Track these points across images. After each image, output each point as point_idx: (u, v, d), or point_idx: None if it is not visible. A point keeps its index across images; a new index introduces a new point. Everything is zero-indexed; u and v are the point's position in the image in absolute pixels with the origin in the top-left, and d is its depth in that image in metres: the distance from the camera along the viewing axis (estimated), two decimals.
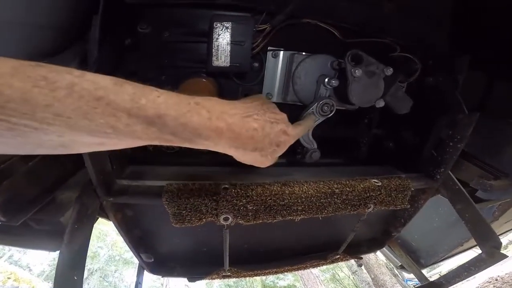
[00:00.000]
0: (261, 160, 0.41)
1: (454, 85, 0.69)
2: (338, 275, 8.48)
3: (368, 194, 0.67)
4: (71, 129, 0.26)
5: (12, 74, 0.23)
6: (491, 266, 0.84)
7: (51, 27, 0.53)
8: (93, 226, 0.59)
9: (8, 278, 5.28)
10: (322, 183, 0.63)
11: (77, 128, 0.26)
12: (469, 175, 0.85)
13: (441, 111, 0.73)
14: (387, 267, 6.74)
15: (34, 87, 0.24)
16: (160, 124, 0.30)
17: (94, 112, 0.26)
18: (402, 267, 1.52)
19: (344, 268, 8.11)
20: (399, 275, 6.95)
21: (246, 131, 0.36)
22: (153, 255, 0.84)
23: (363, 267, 6.99)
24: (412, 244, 1.41)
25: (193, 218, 0.59)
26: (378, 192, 0.68)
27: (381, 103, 0.62)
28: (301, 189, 0.61)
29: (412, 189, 0.72)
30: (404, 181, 0.71)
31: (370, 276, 6.68)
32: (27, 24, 0.48)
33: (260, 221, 0.62)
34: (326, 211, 0.65)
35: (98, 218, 0.82)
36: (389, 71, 0.60)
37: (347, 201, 0.65)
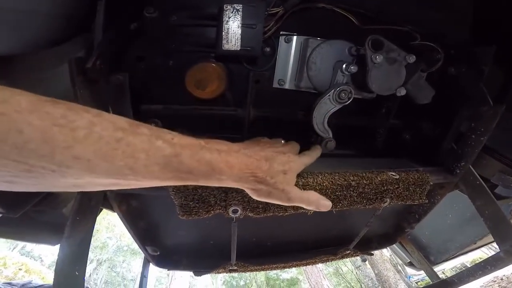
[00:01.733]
0: (276, 192, 0.42)
1: (478, 76, 0.65)
2: (341, 269, 8.52)
3: (385, 188, 0.63)
4: (90, 171, 0.26)
5: (31, 110, 0.22)
6: (509, 265, 0.81)
7: (58, 15, 0.52)
8: (96, 218, 0.56)
9: (20, 269, 5.41)
10: (337, 174, 0.60)
11: (96, 171, 0.26)
12: (490, 170, 0.81)
13: (464, 103, 0.69)
14: (391, 262, 6.73)
15: (54, 126, 0.23)
16: (177, 163, 0.31)
17: (114, 154, 0.26)
18: (410, 264, 1.49)
19: (347, 263, 8.14)
20: (402, 271, 6.95)
21: (253, 160, 0.39)
22: (159, 248, 0.83)
23: (367, 262, 6.99)
24: (422, 241, 1.37)
25: (200, 210, 0.57)
26: (396, 186, 0.64)
27: (402, 91, 0.58)
28: (315, 180, 0.58)
29: (431, 183, 0.69)
30: (422, 175, 0.68)
31: (374, 272, 6.69)
32: (33, 12, 0.47)
33: (271, 214, 0.60)
34: (340, 204, 0.61)
35: (102, 209, 0.80)
36: (412, 58, 0.56)
37: (363, 195, 0.62)
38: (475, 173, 0.74)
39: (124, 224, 0.67)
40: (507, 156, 0.81)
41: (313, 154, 0.57)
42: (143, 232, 0.75)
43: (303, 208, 0.61)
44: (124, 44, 0.58)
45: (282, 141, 0.56)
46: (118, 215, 0.65)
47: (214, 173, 0.35)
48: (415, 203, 0.70)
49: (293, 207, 0.60)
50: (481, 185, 0.74)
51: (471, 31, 0.68)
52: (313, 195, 0.48)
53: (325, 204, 0.49)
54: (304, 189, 0.58)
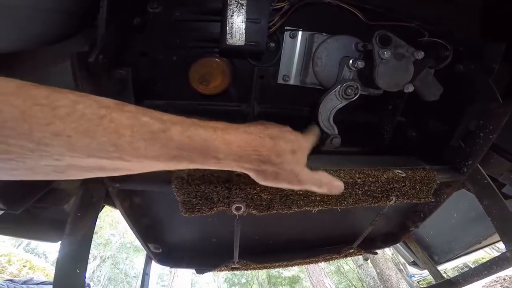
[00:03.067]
0: (284, 174, 0.37)
1: (487, 74, 0.64)
2: (343, 267, 8.52)
3: (391, 186, 0.62)
4: (70, 149, 0.25)
5: (14, 93, 0.23)
6: None
7: (61, 11, 0.52)
8: (97, 215, 0.56)
9: (24, 266, 5.46)
10: (342, 172, 0.59)
11: (77, 148, 0.25)
12: (498, 169, 0.79)
13: (472, 100, 0.67)
14: (393, 261, 6.72)
15: (35, 105, 0.23)
16: (166, 139, 0.29)
17: (95, 129, 0.25)
18: (414, 263, 1.48)
19: (349, 261, 8.14)
20: (404, 270, 6.93)
21: (255, 137, 0.35)
22: (161, 245, 0.82)
23: (369, 261, 6.98)
24: (426, 240, 1.36)
25: (203, 207, 0.56)
26: (402, 184, 0.63)
27: (410, 88, 0.57)
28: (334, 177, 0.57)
29: (438, 182, 0.68)
30: (429, 173, 0.67)
31: (376, 271, 6.68)
32: (37, 8, 0.47)
33: (275, 211, 0.59)
34: (345, 202, 0.61)
35: (104, 206, 0.80)
36: (420, 54, 0.55)
37: (369, 193, 0.61)
38: (483, 172, 0.73)
39: (127, 221, 0.67)
40: None
41: (315, 133, 0.53)
42: (145, 229, 0.74)
43: (309, 206, 0.60)
44: (127, 39, 0.57)
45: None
46: (121, 212, 0.64)
47: (209, 151, 0.31)
48: (421, 201, 0.69)
49: (297, 204, 0.59)
50: (489, 184, 0.73)
51: (480, 28, 0.66)
52: (325, 176, 0.43)
53: (338, 186, 0.44)
54: None
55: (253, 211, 0.58)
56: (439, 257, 1.38)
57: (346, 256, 0.92)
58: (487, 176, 0.73)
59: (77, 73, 0.44)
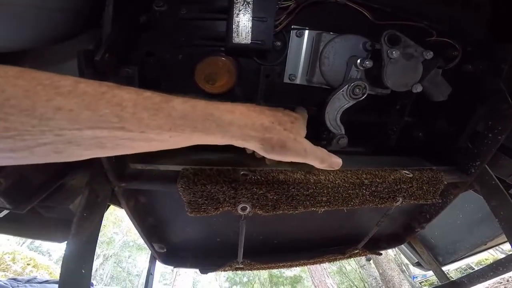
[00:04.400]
0: (290, 142, 0.37)
1: (497, 74, 0.63)
2: (345, 268, 8.50)
3: (398, 186, 0.61)
4: (73, 122, 0.25)
5: (17, 76, 0.23)
6: None
7: (67, 10, 0.52)
8: (103, 215, 0.56)
9: (28, 264, 5.50)
10: (349, 172, 0.59)
11: (79, 120, 0.25)
12: (506, 170, 0.78)
13: (480, 101, 0.66)
14: (395, 262, 6.69)
15: (38, 85, 0.23)
16: (168, 108, 0.29)
17: (98, 102, 0.26)
18: (418, 264, 1.46)
19: (351, 262, 8.11)
20: (406, 271, 6.90)
21: (254, 108, 0.36)
22: (166, 245, 0.82)
23: (371, 261, 6.96)
24: (431, 241, 1.35)
25: (209, 207, 0.56)
26: (409, 185, 0.62)
27: (418, 88, 0.56)
28: (327, 178, 0.57)
29: (445, 182, 0.67)
30: (436, 174, 0.66)
31: (378, 271, 6.65)
32: (43, 7, 0.47)
33: (280, 211, 0.58)
34: (352, 203, 0.60)
35: (109, 205, 0.80)
36: (429, 54, 0.54)
37: (376, 193, 0.60)
38: (491, 173, 0.72)
39: (132, 221, 0.67)
40: None
41: (304, 110, 0.51)
42: (150, 228, 0.74)
43: (315, 207, 0.60)
44: (133, 38, 0.57)
45: None
46: (126, 211, 0.64)
47: (214, 118, 0.31)
48: (428, 202, 0.68)
49: (304, 205, 0.58)
50: (497, 185, 0.72)
51: (490, 28, 0.65)
52: (324, 151, 0.42)
53: (337, 162, 0.43)
54: (316, 187, 0.57)
55: (259, 212, 0.58)
56: (443, 258, 1.36)
57: (350, 256, 0.92)
58: (495, 177, 0.72)
59: (84, 71, 0.43)
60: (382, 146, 0.77)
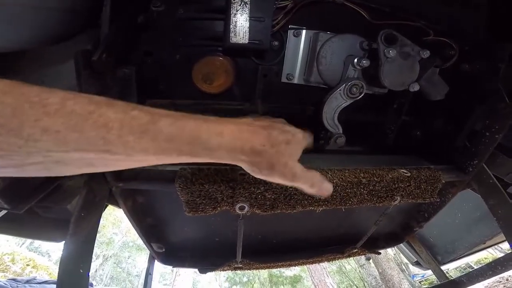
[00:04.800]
0: (279, 166, 0.36)
1: (494, 74, 0.63)
2: (345, 267, 8.51)
3: (396, 185, 0.62)
4: (59, 144, 0.25)
5: (5, 91, 0.23)
6: None
7: (65, 10, 0.52)
8: (101, 215, 0.56)
9: (27, 265, 5.49)
10: (347, 171, 0.59)
11: (65, 143, 0.25)
12: (504, 169, 0.78)
13: (478, 100, 0.66)
14: (395, 261, 6.70)
15: (26, 103, 0.23)
16: (155, 131, 0.28)
17: (85, 123, 0.25)
18: (417, 263, 1.47)
19: (351, 261, 8.12)
20: (406, 270, 6.91)
21: (247, 127, 0.34)
22: (164, 245, 0.82)
23: (371, 260, 6.97)
24: (429, 240, 1.35)
25: (207, 207, 0.56)
26: (407, 184, 0.63)
27: (415, 87, 0.57)
28: (325, 177, 0.57)
29: (443, 181, 0.67)
30: (434, 173, 0.66)
31: (378, 270, 6.66)
32: (41, 7, 0.47)
33: (278, 211, 0.59)
34: (350, 202, 0.60)
35: (107, 205, 0.80)
36: (426, 53, 0.54)
37: (373, 192, 0.60)
38: (489, 171, 0.72)
39: (130, 221, 0.67)
40: None
41: (311, 134, 0.48)
42: (148, 228, 0.74)
43: (313, 206, 0.60)
44: (131, 38, 0.57)
45: None
46: (124, 212, 0.64)
47: (200, 142, 0.30)
48: (426, 201, 0.68)
49: (302, 204, 0.59)
50: (495, 184, 0.72)
51: (487, 28, 0.66)
52: (317, 175, 0.40)
53: (327, 188, 0.42)
54: None
55: (257, 211, 0.58)
56: (442, 257, 1.37)
57: (349, 256, 0.92)
58: (492, 176, 0.72)
59: (81, 71, 0.44)
60: (380, 145, 0.77)
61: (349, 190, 0.59)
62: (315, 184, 0.40)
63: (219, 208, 0.57)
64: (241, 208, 0.57)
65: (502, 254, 0.92)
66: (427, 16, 0.62)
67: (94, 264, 8.06)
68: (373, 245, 0.94)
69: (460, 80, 0.67)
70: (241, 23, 0.53)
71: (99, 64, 0.43)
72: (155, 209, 0.71)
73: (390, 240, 0.97)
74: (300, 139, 0.39)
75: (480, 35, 0.66)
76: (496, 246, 1.62)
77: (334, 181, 0.57)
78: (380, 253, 0.97)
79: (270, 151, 0.34)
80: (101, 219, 0.58)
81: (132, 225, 0.69)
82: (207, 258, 0.87)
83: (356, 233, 0.87)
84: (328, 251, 0.89)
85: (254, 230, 0.82)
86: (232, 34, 0.53)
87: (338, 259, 0.94)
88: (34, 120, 0.23)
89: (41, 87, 0.25)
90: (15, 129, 0.23)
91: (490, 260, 0.90)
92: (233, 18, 0.53)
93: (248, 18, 0.53)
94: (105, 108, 0.26)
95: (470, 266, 5.45)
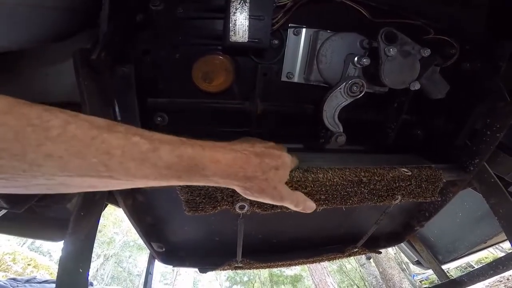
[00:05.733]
0: (268, 190, 0.40)
1: (495, 72, 0.63)
2: (345, 266, 8.51)
3: (397, 184, 0.61)
4: (62, 169, 0.25)
5: (6, 112, 0.23)
6: None
7: (64, 9, 0.52)
8: (100, 214, 0.56)
9: (28, 264, 5.51)
10: (348, 170, 0.58)
11: (68, 168, 0.25)
12: (505, 168, 0.78)
13: (478, 98, 0.66)
14: (396, 261, 6.70)
15: (28, 126, 0.23)
16: (155, 158, 0.30)
17: (87, 150, 0.26)
18: (418, 263, 1.47)
19: (352, 260, 8.12)
20: (406, 269, 6.91)
21: (242, 155, 0.37)
22: (164, 244, 0.82)
23: (371, 260, 6.96)
24: (430, 239, 1.35)
25: (207, 206, 0.56)
26: (408, 183, 0.62)
27: (416, 86, 0.56)
28: (325, 176, 0.57)
29: (444, 180, 0.67)
30: (435, 172, 0.66)
31: (378, 270, 6.65)
32: (40, 6, 0.47)
33: (278, 210, 0.58)
34: (351, 201, 0.60)
35: (107, 204, 0.80)
36: (427, 52, 0.54)
37: (374, 191, 0.60)
38: (490, 170, 0.72)
39: (130, 220, 0.67)
40: None
41: (297, 157, 0.54)
42: (148, 228, 0.74)
43: (315, 197, 0.59)
44: (130, 36, 0.57)
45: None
46: (124, 211, 0.64)
47: (198, 169, 0.33)
48: (427, 200, 0.68)
49: None
50: (496, 183, 0.72)
51: (488, 26, 0.65)
52: (301, 196, 0.47)
53: (310, 206, 0.48)
54: (314, 185, 0.57)
55: (257, 210, 0.58)
56: (443, 257, 1.36)
57: (350, 255, 0.92)
58: (494, 175, 0.72)
59: (80, 70, 0.43)
60: (380, 144, 0.77)
61: (350, 189, 0.59)
62: (299, 203, 0.46)
63: (219, 207, 0.56)
64: (241, 207, 0.57)
65: (503, 254, 0.91)
66: (426, 15, 0.61)
67: (95, 264, 8.07)
68: (374, 244, 0.94)
69: (460, 79, 0.66)
70: (240, 21, 0.53)
71: (97, 63, 0.43)
72: (155, 208, 0.71)
73: (391, 239, 0.97)
74: (288, 164, 0.43)
75: (480, 34, 0.65)
76: (497, 246, 1.61)
77: (335, 179, 0.57)
78: (380, 253, 0.97)
79: (261, 178, 0.38)
80: (102, 219, 0.58)
81: (132, 225, 0.68)
82: (208, 257, 0.87)
83: (357, 232, 0.87)
84: (329, 251, 0.89)
85: (254, 230, 0.82)
86: (231, 33, 0.53)
87: (338, 259, 0.93)
88: (37, 145, 0.23)
89: (40, 106, 0.25)
90: (18, 154, 0.23)
91: (491, 260, 0.90)
92: (233, 17, 0.52)
93: (247, 17, 0.53)
94: (107, 134, 0.27)
95: (471, 266, 5.44)
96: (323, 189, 0.57)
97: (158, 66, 0.60)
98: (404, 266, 6.96)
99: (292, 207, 0.45)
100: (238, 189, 0.39)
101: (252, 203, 0.57)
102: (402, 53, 0.53)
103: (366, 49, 0.57)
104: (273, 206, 0.58)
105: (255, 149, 0.40)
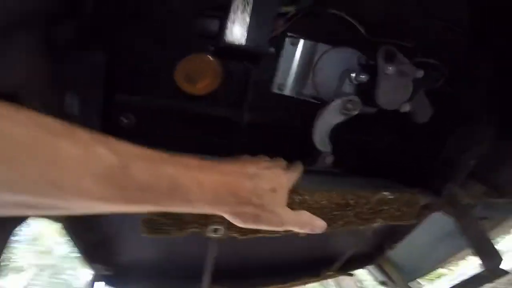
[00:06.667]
0: (265, 216, 0.34)
1: (475, 96, 0.65)
2: None
3: (380, 208, 0.60)
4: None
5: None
6: (492, 282, 0.81)
7: None
8: (13, 229, 0.43)
9: None
10: (334, 192, 0.55)
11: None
12: (475, 192, 0.82)
13: (454, 123, 0.68)
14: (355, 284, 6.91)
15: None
16: (124, 176, 0.23)
17: (26, 160, 0.19)
18: (383, 283, 1.49)
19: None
20: None
21: (233, 178, 0.32)
22: (112, 267, 0.69)
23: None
24: (394, 260, 1.38)
25: (171, 228, 0.46)
26: (390, 206, 0.61)
27: (406, 107, 0.56)
28: (312, 197, 0.52)
29: (421, 204, 0.67)
30: (414, 196, 0.66)
31: None
32: None
33: (261, 235, 0.52)
34: (335, 224, 0.56)
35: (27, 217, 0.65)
36: (420, 73, 0.54)
37: (359, 214, 0.58)
38: (461, 194, 0.74)
39: (68, 237, 0.55)
40: (489, 177, 0.83)
41: (298, 169, 0.48)
42: (91, 247, 0.62)
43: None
44: (109, 21, 0.48)
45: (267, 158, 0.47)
46: (61, 225, 0.53)
47: (179, 193, 0.27)
48: (405, 223, 0.68)
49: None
50: (466, 206, 0.74)
51: (469, 45, 0.67)
52: (306, 215, 0.41)
53: (320, 225, 0.42)
54: (301, 207, 0.52)
55: (234, 234, 0.50)
56: (407, 276, 1.40)
57: (325, 278, 0.88)
58: (464, 199, 0.74)
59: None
60: (358, 166, 0.75)
61: (336, 212, 0.55)
62: (306, 225, 0.40)
63: (186, 230, 0.47)
64: (215, 231, 0.49)
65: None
66: (412, 32, 0.61)
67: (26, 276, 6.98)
68: (349, 266, 0.92)
69: (440, 102, 0.68)
70: (240, 22, 0.48)
71: (62, 39, 0.33)
72: (100, 223, 0.60)
73: (363, 261, 0.96)
74: (286, 184, 0.39)
75: (461, 56, 0.67)
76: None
77: (323, 202, 0.53)
78: (353, 275, 0.95)
79: (256, 203, 0.33)
80: (40, 227, 0.44)
81: (71, 243, 0.56)
82: (167, 283, 0.76)
83: (332, 254, 0.84)
84: (305, 274, 0.84)
85: (225, 252, 0.73)
86: (228, 32, 0.47)
87: (314, 282, 0.89)
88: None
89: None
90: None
91: (447, 276, 0.93)
92: (233, 16, 0.47)
93: (248, 18, 0.48)
94: (61, 138, 0.20)
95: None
96: (311, 212, 0.52)
97: (137, 58, 0.52)
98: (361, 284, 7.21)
99: (296, 229, 0.40)
100: (227, 217, 0.33)
101: (230, 226, 0.49)
102: (398, 72, 0.53)
103: (362, 66, 0.56)
104: (254, 230, 0.51)
105: (248, 170, 0.34)
